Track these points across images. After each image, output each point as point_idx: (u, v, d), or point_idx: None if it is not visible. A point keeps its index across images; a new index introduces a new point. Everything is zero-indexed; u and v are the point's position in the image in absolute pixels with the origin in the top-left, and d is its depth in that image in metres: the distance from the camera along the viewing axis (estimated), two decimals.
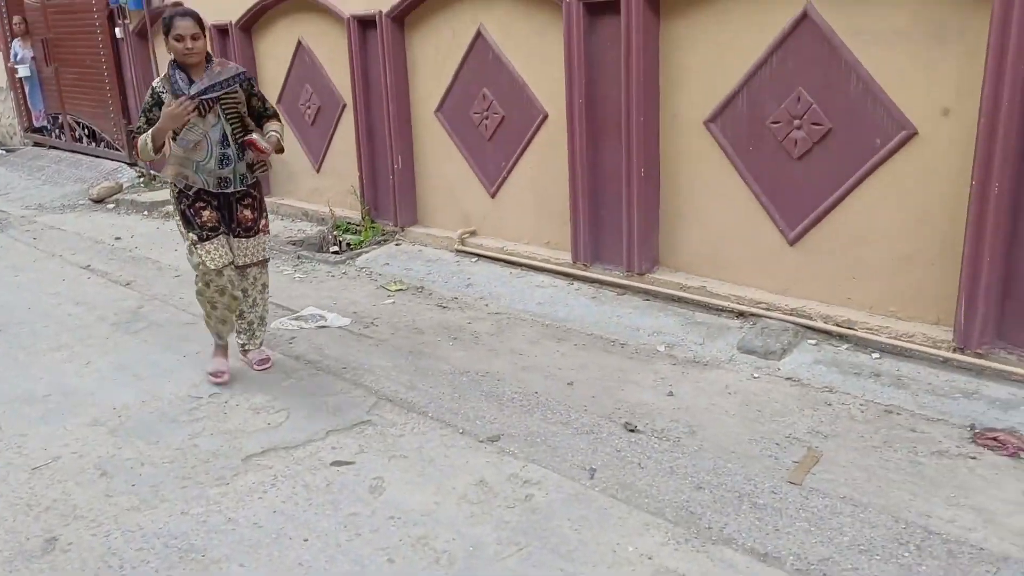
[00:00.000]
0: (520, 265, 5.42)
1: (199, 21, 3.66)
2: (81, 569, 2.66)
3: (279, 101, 7.09)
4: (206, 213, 3.79)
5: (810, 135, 4.06)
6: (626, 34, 4.46)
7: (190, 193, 3.77)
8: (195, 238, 3.78)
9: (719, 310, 4.48)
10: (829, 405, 3.54)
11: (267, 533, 2.81)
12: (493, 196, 5.68)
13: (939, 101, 3.65)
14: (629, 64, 4.50)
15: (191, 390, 3.96)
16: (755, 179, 4.33)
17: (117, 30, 8.83)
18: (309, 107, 6.89)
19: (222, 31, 7.32)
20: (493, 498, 2.97)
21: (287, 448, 3.37)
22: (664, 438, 3.33)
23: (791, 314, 4.22)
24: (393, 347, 4.39)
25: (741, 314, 4.39)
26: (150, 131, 3.60)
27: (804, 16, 3.94)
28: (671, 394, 3.72)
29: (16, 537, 2.84)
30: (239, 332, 4.15)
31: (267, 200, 4.50)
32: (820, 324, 4.12)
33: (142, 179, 8.90)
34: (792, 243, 4.27)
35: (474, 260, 5.66)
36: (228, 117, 3.74)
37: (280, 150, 3.85)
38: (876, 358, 3.86)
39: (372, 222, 6.44)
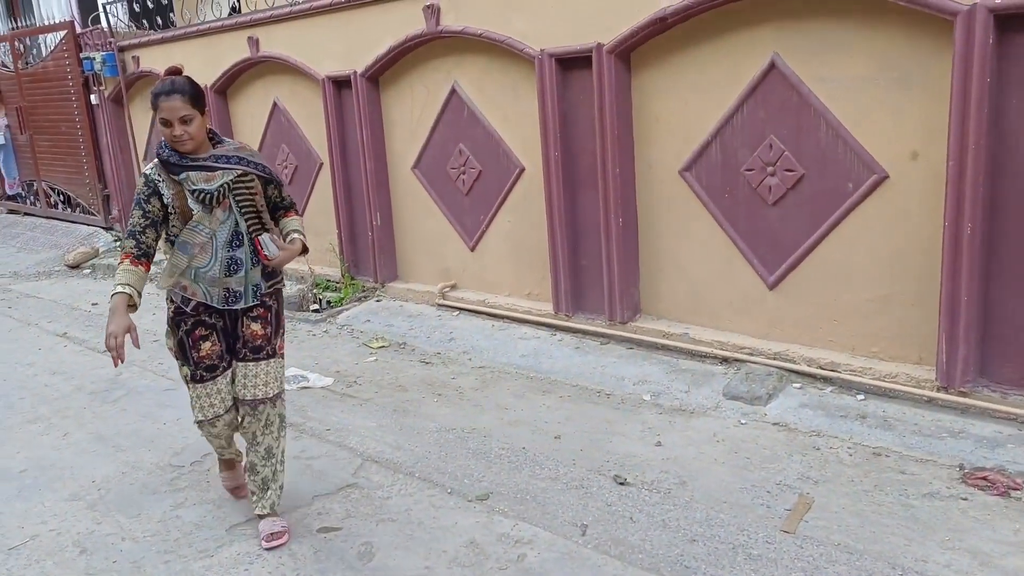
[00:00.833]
0: (502, 317, 5.41)
1: (193, 96, 2.81)
2: None
3: None
4: (206, 346, 2.99)
5: (784, 181, 4.13)
6: (598, 87, 4.54)
7: (188, 310, 2.97)
8: (188, 375, 3.04)
9: (703, 356, 4.49)
10: (817, 449, 3.53)
11: None
12: (473, 249, 5.70)
13: (907, 145, 3.73)
14: (603, 117, 4.57)
15: (172, 459, 3.88)
16: (732, 225, 4.38)
17: (92, 96, 8.87)
18: (286, 166, 6.91)
19: None
20: (485, 560, 2.91)
21: None
22: (655, 490, 3.30)
23: (775, 358, 4.24)
24: (377, 406, 4.34)
25: (725, 360, 4.40)
26: (116, 280, 2.81)
27: (772, 66, 4.04)
28: (659, 444, 3.70)
29: None
30: (250, 489, 3.20)
31: None
32: (804, 367, 4.13)
33: (118, 243, 8.85)
34: (772, 287, 4.31)
35: (456, 314, 5.64)
36: (243, 210, 2.93)
37: (305, 251, 3.11)
38: (861, 400, 3.87)
39: (352, 279, 6.42)
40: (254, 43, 6.63)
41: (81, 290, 7.51)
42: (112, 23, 8.45)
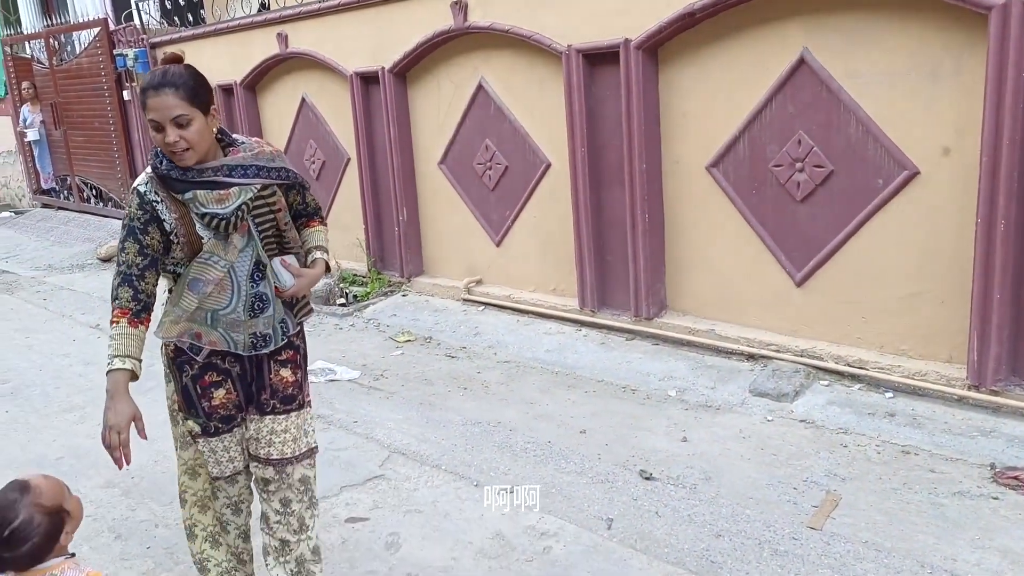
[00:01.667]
0: (527, 313, 5.43)
1: (192, 91, 2.12)
2: None
3: None
4: (220, 393, 2.35)
5: (812, 177, 4.10)
6: (626, 83, 4.53)
7: (197, 356, 2.33)
8: (197, 429, 2.38)
9: (729, 353, 4.47)
10: (845, 447, 3.51)
11: None
12: (498, 245, 5.72)
13: (939, 140, 3.69)
14: (630, 112, 4.57)
15: None
16: (759, 222, 4.36)
17: (125, 92, 9.02)
18: (314, 162, 6.98)
19: (227, 90, 7.46)
20: (511, 552, 2.93)
21: None
22: (680, 485, 3.30)
23: (802, 355, 4.21)
24: (404, 399, 4.38)
25: (751, 356, 4.38)
26: (110, 349, 2.15)
27: (801, 61, 4.01)
28: (685, 440, 3.70)
29: None
30: (264, 551, 2.54)
31: None
32: (831, 364, 4.11)
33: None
34: (799, 284, 4.28)
35: (481, 309, 5.67)
36: (264, 235, 2.31)
37: (327, 271, 2.49)
38: (890, 397, 3.83)
39: (378, 274, 6.47)
40: (283, 39, 6.70)
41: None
42: (144, 20, 8.57)
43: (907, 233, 3.87)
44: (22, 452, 4.06)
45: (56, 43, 10.35)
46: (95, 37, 9.24)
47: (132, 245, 2.17)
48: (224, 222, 2.19)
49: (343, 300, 6.30)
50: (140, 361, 2.17)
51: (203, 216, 2.18)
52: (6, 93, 11.01)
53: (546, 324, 5.25)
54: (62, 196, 11.02)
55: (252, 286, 2.30)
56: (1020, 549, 2.74)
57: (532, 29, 4.93)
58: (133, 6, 8.64)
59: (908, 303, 3.94)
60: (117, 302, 2.17)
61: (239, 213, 2.20)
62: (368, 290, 6.34)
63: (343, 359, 5.06)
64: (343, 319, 5.89)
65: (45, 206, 11.29)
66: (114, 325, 2.16)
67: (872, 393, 3.90)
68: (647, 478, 3.37)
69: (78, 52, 9.82)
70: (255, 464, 2.43)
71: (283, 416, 2.39)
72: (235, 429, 2.39)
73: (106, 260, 8.54)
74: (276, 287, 2.33)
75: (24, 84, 10.76)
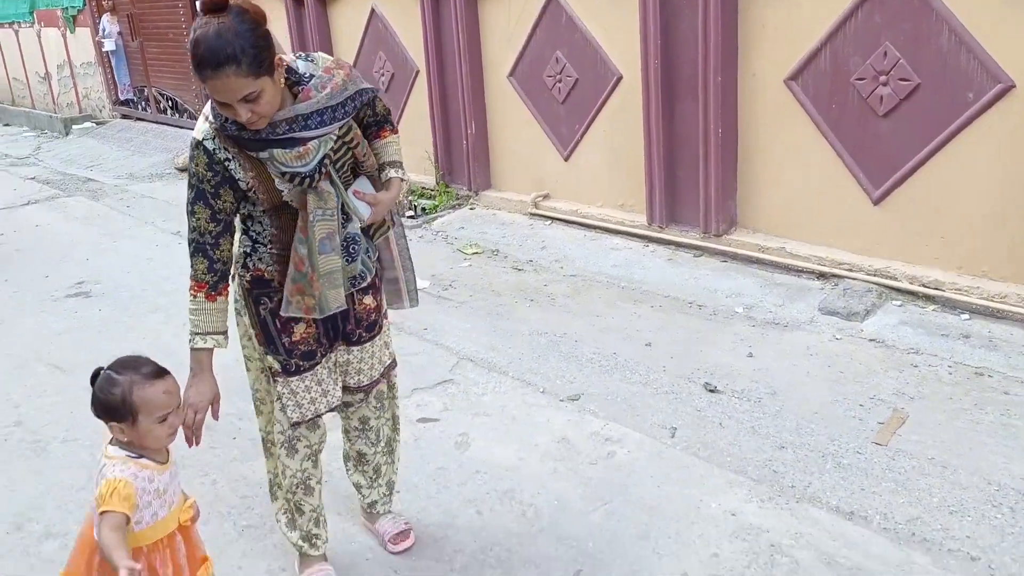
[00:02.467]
0: (594, 228, 5.43)
1: (255, 59, 1.84)
2: None
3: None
4: (300, 328, 2.22)
5: (897, 91, 3.94)
6: None
7: (273, 283, 2.19)
8: (276, 367, 2.25)
9: (799, 271, 4.43)
10: (915, 367, 3.49)
11: None
12: (566, 159, 5.68)
13: None
14: (706, 22, 4.42)
15: None
16: (838, 137, 4.23)
17: (197, 3, 9.06)
18: (383, 74, 6.97)
19: (298, 2, 7.44)
20: (576, 455, 3.04)
21: None
22: (745, 399, 3.34)
23: (875, 275, 4.14)
24: (472, 309, 4.48)
25: (822, 275, 4.33)
26: (192, 325, 2.12)
27: None
28: (751, 355, 3.71)
29: None
30: (360, 486, 2.62)
31: None
32: (905, 285, 4.03)
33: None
34: (876, 202, 4.17)
35: (548, 223, 5.69)
36: (342, 173, 2.15)
37: (405, 186, 2.33)
38: (965, 319, 3.76)
39: (446, 187, 6.52)
40: None
41: None
42: None
43: (995, 150, 3.72)
44: (119, 350, 4.28)
45: None
46: None
47: (203, 210, 2.03)
48: (308, 179, 2.03)
49: (411, 212, 6.39)
50: (224, 334, 2.11)
51: (284, 174, 2.03)
52: (84, 4, 11.19)
53: (613, 239, 5.26)
54: (140, 107, 11.29)
55: (343, 230, 2.18)
56: None
57: None
58: None
59: (992, 223, 3.81)
60: (192, 272, 2.07)
61: (321, 168, 2.05)
62: (436, 203, 6.41)
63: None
64: (411, 231, 5.98)
65: (124, 117, 11.59)
66: (193, 299, 2.09)
67: (947, 315, 3.83)
68: (711, 391, 3.42)
69: None
70: (352, 393, 2.44)
71: (368, 343, 2.36)
72: (318, 368, 2.27)
73: (182, 170, 8.80)
74: (357, 216, 2.20)
75: None
